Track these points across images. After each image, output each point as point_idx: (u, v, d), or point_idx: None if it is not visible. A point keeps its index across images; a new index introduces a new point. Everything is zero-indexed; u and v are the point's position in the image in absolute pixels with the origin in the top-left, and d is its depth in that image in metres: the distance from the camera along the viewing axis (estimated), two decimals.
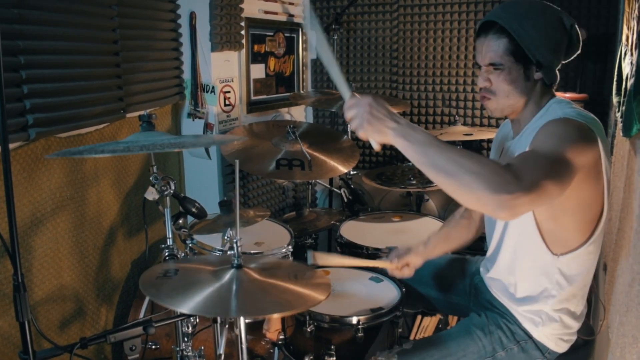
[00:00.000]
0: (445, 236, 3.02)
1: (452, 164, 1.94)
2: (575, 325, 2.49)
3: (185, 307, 2.00)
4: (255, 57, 4.84)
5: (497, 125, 4.78)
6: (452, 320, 3.79)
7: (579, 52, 2.37)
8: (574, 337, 2.52)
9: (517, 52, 2.29)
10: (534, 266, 2.41)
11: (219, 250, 3.21)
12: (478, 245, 2.93)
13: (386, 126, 2.02)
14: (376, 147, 2.11)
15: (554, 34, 2.27)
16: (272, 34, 5.00)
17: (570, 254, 2.34)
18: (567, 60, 2.39)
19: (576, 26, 2.31)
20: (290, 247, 3.41)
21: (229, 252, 2.66)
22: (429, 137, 1.99)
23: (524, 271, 2.46)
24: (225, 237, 2.94)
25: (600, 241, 2.38)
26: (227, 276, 2.22)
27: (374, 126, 2.03)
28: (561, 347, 2.49)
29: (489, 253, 2.69)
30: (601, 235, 2.35)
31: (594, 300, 3.23)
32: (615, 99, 2.77)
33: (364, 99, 2.06)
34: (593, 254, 2.38)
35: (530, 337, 2.48)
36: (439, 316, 3.69)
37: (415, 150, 2.00)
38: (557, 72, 2.35)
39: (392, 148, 5.05)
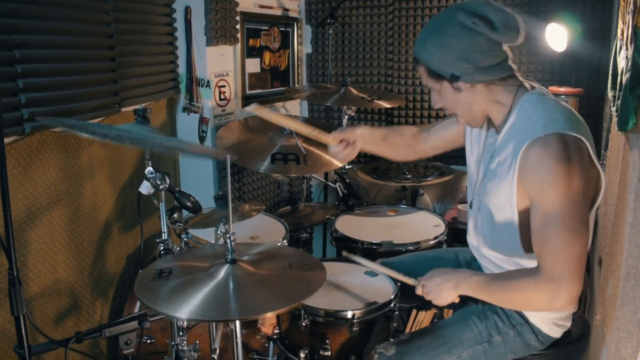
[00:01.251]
0: (383, 135, 3.08)
1: (507, 303, 2.45)
2: (571, 309, 2.50)
3: (183, 312, 1.99)
4: (251, 52, 4.83)
5: None
6: (447, 313, 3.79)
7: (519, 30, 2.28)
8: (568, 324, 2.52)
9: (432, 74, 2.38)
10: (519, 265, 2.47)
11: (213, 244, 3.21)
12: None
13: (445, 293, 2.48)
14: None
15: (455, 43, 2.26)
16: (267, 28, 4.99)
17: None
18: (513, 43, 2.30)
19: (483, 14, 2.24)
20: (285, 241, 3.42)
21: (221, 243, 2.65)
22: (478, 284, 2.42)
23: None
24: (219, 232, 2.94)
25: (591, 227, 2.36)
26: (222, 273, 2.21)
27: (437, 296, 2.50)
28: (555, 332, 2.50)
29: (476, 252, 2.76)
30: (592, 217, 2.34)
31: (589, 294, 3.24)
32: (610, 93, 2.76)
33: (427, 279, 2.56)
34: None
35: (526, 320, 2.49)
36: (434, 310, 3.69)
37: (476, 296, 2.45)
38: (491, 69, 2.30)
39: None
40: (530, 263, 2.36)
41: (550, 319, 2.48)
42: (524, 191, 2.26)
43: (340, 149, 2.87)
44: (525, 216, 2.32)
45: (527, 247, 2.37)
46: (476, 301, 2.60)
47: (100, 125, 2.28)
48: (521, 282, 2.25)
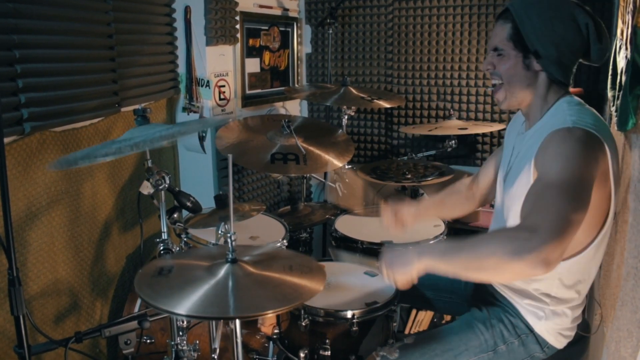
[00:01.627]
0: (440, 201, 3.13)
1: (473, 255, 2.12)
2: (577, 319, 2.49)
3: (182, 308, 1.98)
4: (250, 51, 4.83)
5: (493, 120, 4.78)
6: (447, 316, 3.79)
7: (606, 52, 2.33)
8: (573, 333, 2.52)
9: (517, 39, 2.34)
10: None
11: (213, 244, 3.21)
12: None
13: (408, 260, 2.25)
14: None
15: (559, 28, 2.27)
16: (267, 28, 4.98)
17: (570, 260, 2.33)
18: (595, 62, 2.36)
19: (597, 24, 2.29)
20: (285, 241, 3.41)
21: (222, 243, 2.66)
22: (446, 245, 2.27)
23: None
24: (219, 232, 2.94)
25: (604, 245, 2.36)
26: (222, 272, 2.21)
27: (401, 267, 2.27)
28: (560, 343, 2.49)
29: None
30: (605, 238, 2.32)
31: (589, 294, 3.24)
32: (610, 93, 2.77)
33: (387, 257, 2.36)
34: (594, 260, 2.36)
35: (531, 330, 2.47)
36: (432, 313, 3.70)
37: (442, 261, 2.21)
38: (565, 69, 2.34)
39: (386, 142, 5.05)
40: (564, 274, 2.35)
41: (556, 329, 2.46)
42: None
43: (393, 228, 3.01)
44: None
45: None
46: (480, 308, 2.60)
47: (102, 145, 2.27)
48: (493, 233, 2.22)
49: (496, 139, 4.76)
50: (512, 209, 2.42)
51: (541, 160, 2.20)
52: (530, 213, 2.08)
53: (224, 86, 4.46)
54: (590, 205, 2.11)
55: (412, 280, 2.29)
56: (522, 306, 2.50)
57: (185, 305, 1.99)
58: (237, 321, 2.39)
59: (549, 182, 2.09)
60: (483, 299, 2.68)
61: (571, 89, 3.62)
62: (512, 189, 2.42)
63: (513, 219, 2.42)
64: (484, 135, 4.83)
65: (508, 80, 2.42)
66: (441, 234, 3.61)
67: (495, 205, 2.72)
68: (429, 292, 2.98)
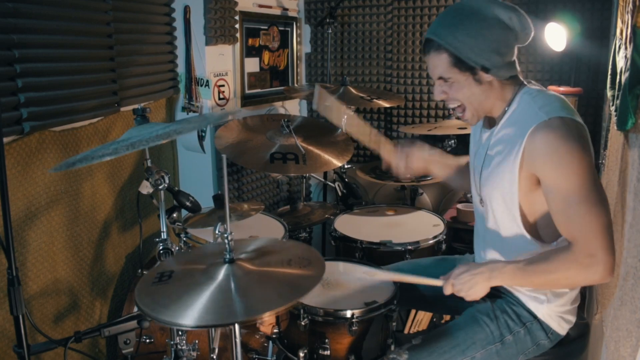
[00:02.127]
0: (448, 164, 3.08)
1: (544, 284, 2.41)
2: (576, 300, 2.54)
3: (188, 318, 1.96)
4: (250, 51, 4.83)
5: None
6: (446, 316, 3.79)
7: (531, 33, 2.37)
8: (574, 318, 2.55)
9: (459, 64, 2.35)
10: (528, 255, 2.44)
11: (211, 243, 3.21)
12: (470, 240, 2.93)
13: (479, 287, 2.39)
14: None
15: (490, 34, 2.29)
16: (266, 27, 4.99)
17: (557, 241, 2.41)
18: (524, 44, 2.39)
19: (517, 13, 2.31)
20: (284, 240, 3.41)
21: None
22: (513, 271, 2.34)
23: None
24: (217, 232, 2.94)
25: None
26: (222, 273, 2.21)
27: (470, 290, 2.41)
28: (562, 328, 2.52)
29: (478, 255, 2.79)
30: None
31: (588, 293, 3.24)
32: (609, 93, 2.76)
33: (455, 276, 2.45)
34: None
35: (535, 317, 2.50)
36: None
37: (512, 284, 2.51)
38: (511, 65, 2.38)
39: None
40: (537, 248, 2.40)
41: (557, 312, 2.49)
42: (528, 177, 2.28)
43: (401, 168, 3.02)
44: (526, 200, 2.36)
45: (531, 231, 2.40)
46: (483, 300, 2.60)
47: (102, 147, 2.27)
48: (557, 261, 2.24)
49: None
50: (492, 206, 2.49)
51: (541, 170, 2.24)
52: (572, 232, 2.21)
53: (223, 86, 4.46)
54: None
55: (480, 296, 2.45)
56: (523, 293, 2.53)
57: (191, 316, 1.97)
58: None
59: (570, 197, 2.17)
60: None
61: (570, 89, 3.62)
62: (492, 190, 2.46)
63: (494, 217, 2.51)
64: None
65: (469, 101, 2.45)
66: (441, 234, 3.61)
67: (473, 202, 2.73)
68: (428, 292, 2.98)
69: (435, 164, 3.02)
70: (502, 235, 2.51)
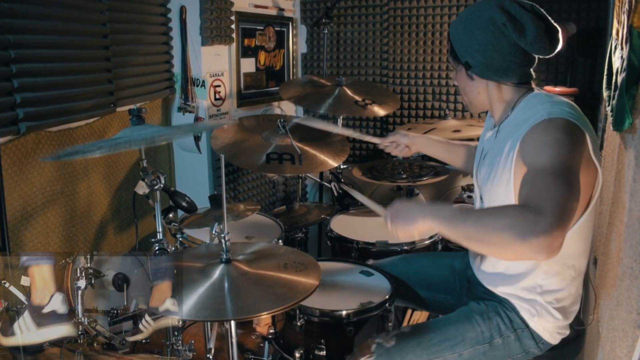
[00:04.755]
0: (447, 142, 3.29)
1: (478, 228, 2.08)
2: (569, 318, 2.51)
3: (179, 311, 1.99)
4: (246, 51, 4.83)
5: None
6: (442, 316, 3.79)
7: (542, 44, 2.31)
8: (567, 331, 2.54)
9: (453, 54, 2.51)
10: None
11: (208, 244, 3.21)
12: None
13: (413, 217, 2.24)
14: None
15: (480, 36, 2.35)
16: (262, 28, 4.99)
17: None
18: (543, 55, 2.35)
19: (519, 18, 2.29)
20: (280, 241, 3.41)
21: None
22: (453, 211, 2.17)
23: (511, 266, 2.51)
24: (214, 232, 2.94)
25: (585, 237, 2.39)
26: (217, 273, 2.22)
27: (404, 221, 2.28)
28: (555, 339, 2.51)
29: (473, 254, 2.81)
30: (585, 229, 2.35)
31: (584, 294, 3.24)
32: (605, 93, 2.77)
33: (395, 207, 2.36)
34: (574, 249, 2.38)
35: (527, 326, 2.49)
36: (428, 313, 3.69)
37: (445, 226, 2.17)
38: (503, 71, 2.40)
39: None
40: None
41: (552, 328, 2.49)
42: (521, 172, 2.24)
43: (391, 148, 3.30)
44: None
45: None
46: (478, 302, 2.60)
47: (99, 142, 2.27)
48: (500, 209, 2.16)
49: None
50: (495, 202, 2.46)
51: (527, 153, 2.22)
52: (531, 196, 2.05)
53: (219, 86, 4.46)
54: None
55: (412, 237, 2.44)
56: (517, 303, 2.52)
57: (182, 309, 1.99)
58: (233, 321, 2.39)
59: (542, 169, 2.08)
60: (479, 296, 2.68)
61: (566, 89, 3.63)
62: (491, 187, 2.46)
63: None
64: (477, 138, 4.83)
65: (462, 90, 2.60)
66: (436, 234, 3.60)
67: (474, 201, 2.74)
68: (423, 292, 2.99)
69: (430, 144, 3.29)
70: None
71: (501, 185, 2.37)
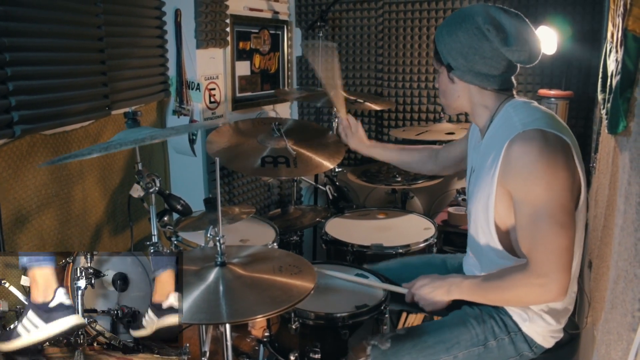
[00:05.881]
0: (402, 147, 3.51)
1: (500, 301, 2.50)
2: (561, 322, 2.52)
3: None
4: (241, 54, 4.83)
5: None
6: (437, 318, 3.79)
7: (524, 54, 2.30)
8: (561, 335, 2.55)
9: (437, 55, 2.52)
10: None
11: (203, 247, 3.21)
12: (461, 243, 2.94)
13: (440, 299, 2.54)
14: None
15: (463, 38, 2.35)
16: (257, 31, 4.99)
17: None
18: (524, 63, 2.35)
19: (502, 26, 2.30)
20: (275, 244, 3.41)
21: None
22: (472, 285, 2.48)
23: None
24: (208, 235, 2.94)
25: (580, 239, 2.39)
26: (212, 276, 2.22)
27: (432, 303, 2.57)
28: (548, 342, 2.52)
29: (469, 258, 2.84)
30: (579, 229, 2.34)
31: (579, 297, 3.24)
32: (600, 96, 2.77)
33: (417, 287, 2.61)
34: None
35: (520, 329, 2.50)
36: (424, 314, 3.69)
37: (469, 299, 2.50)
38: (484, 77, 2.40)
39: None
40: (512, 263, 2.42)
41: (544, 332, 2.50)
42: (504, 192, 2.31)
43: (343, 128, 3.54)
44: (501, 217, 2.38)
45: (505, 245, 2.43)
46: (471, 305, 2.61)
47: (97, 146, 2.27)
48: (511, 280, 2.29)
49: None
50: (476, 219, 2.53)
51: (513, 183, 2.26)
52: (532, 251, 2.23)
53: (214, 89, 4.46)
54: None
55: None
56: (509, 307, 2.54)
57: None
58: (228, 325, 2.39)
59: (537, 213, 2.19)
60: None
61: (561, 92, 3.64)
62: (475, 201, 2.49)
63: (475, 226, 2.56)
64: None
65: (442, 92, 2.61)
66: (431, 237, 3.61)
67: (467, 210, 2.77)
68: None
69: (384, 145, 3.51)
70: (480, 244, 2.54)
71: (481, 201, 2.41)
